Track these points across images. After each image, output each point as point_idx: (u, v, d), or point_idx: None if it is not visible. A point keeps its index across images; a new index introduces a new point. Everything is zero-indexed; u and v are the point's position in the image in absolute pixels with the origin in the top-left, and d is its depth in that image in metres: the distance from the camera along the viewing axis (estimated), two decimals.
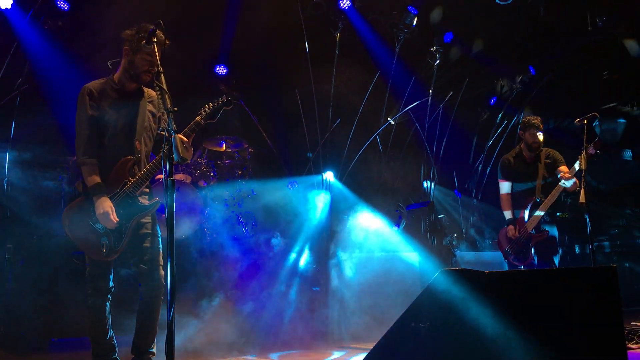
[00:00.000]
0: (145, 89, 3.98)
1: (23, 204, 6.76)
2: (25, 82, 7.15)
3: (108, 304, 3.80)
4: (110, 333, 3.80)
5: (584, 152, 5.09)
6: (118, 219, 3.64)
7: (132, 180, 3.73)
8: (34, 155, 7.11)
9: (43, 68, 7.26)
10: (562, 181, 5.45)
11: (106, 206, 3.60)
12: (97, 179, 3.65)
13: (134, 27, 3.77)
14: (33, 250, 6.04)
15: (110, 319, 3.80)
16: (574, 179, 5.41)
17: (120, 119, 3.78)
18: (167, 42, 3.64)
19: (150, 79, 3.77)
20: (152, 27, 3.56)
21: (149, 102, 3.96)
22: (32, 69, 7.18)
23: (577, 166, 5.25)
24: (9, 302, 5.69)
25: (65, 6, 7.26)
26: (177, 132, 3.11)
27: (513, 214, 5.90)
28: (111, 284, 3.80)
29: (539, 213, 5.66)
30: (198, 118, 3.80)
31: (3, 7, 6.75)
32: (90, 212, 3.65)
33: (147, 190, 3.86)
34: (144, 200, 3.80)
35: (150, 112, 3.94)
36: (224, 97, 3.84)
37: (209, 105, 3.82)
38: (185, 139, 3.73)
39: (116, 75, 3.86)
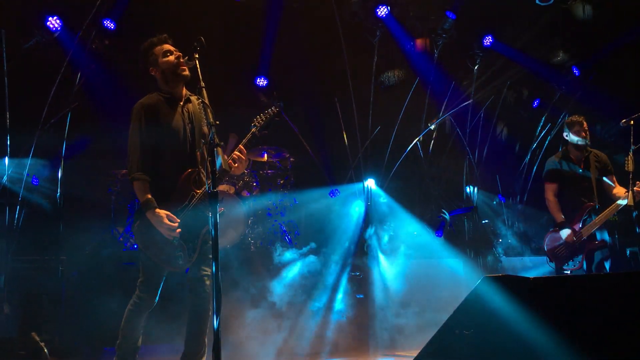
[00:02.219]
0: (193, 96, 3.99)
1: (75, 217, 7.01)
2: (75, 99, 7.41)
3: (147, 313, 3.87)
4: (139, 341, 3.87)
5: (631, 154, 4.96)
6: (177, 224, 3.65)
7: (198, 192, 3.76)
8: (84, 169, 7.36)
9: (92, 86, 7.54)
10: (619, 201, 5.34)
11: (161, 218, 3.62)
12: (148, 195, 3.68)
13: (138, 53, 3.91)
14: (85, 261, 6.24)
15: (143, 329, 3.88)
16: (626, 200, 5.26)
17: (176, 130, 3.82)
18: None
19: (186, 71, 3.78)
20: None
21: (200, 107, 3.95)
22: (81, 87, 7.45)
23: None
24: (63, 312, 5.89)
25: (112, 26, 7.53)
26: (219, 145, 3.19)
27: (565, 217, 5.74)
28: (157, 298, 3.84)
29: (596, 223, 5.51)
30: (254, 129, 3.81)
31: (53, 29, 7.06)
32: None
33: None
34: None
35: (203, 119, 3.87)
36: (274, 107, 3.87)
37: (261, 117, 3.84)
38: (244, 150, 3.77)
39: (162, 87, 3.93)
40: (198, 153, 3.85)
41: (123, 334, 3.84)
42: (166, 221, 3.63)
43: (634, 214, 4.82)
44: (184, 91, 3.95)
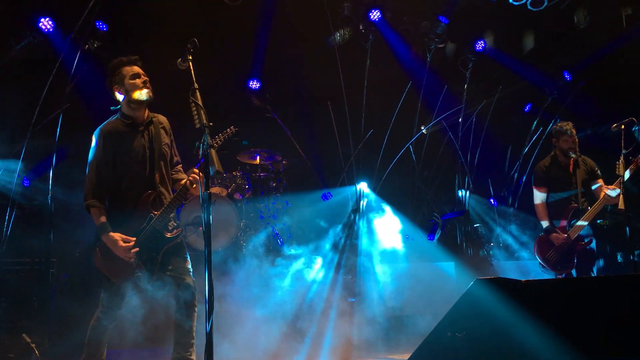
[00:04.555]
0: (155, 117, 4.04)
1: (66, 220, 6.96)
2: (67, 101, 7.37)
3: (109, 329, 3.94)
4: (104, 354, 3.94)
5: (622, 158, 5.00)
6: (132, 244, 3.73)
7: (156, 213, 3.82)
8: (76, 172, 7.31)
9: (84, 88, 7.49)
10: (608, 192, 5.38)
11: (115, 241, 3.70)
12: (102, 219, 3.77)
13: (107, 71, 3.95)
14: (76, 264, 6.20)
15: (105, 342, 3.95)
16: (618, 190, 5.29)
17: (136, 153, 3.87)
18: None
19: (150, 93, 3.85)
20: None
21: (161, 128, 4.02)
22: (73, 88, 7.40)
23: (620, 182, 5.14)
24: (54, 315, 5.85)
25: (104, 27, 7.50)
26: (212, 147, 3.20)
27: (552, 222, 5.80)
28: (119, 312, 3.92)
29: (582, 222, 5.56)
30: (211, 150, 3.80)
31: (45, 30, 7.03)
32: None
33: (171, 217, 3.94)
34: (169, 232, 3.87)
35: (164, 139, 4.01)
36: (232, 127, 3.83)
37: (219, 137, 3.78)
38: (198, 172, 3.72)
39: (124, 111, 3.95)
40: (157, 175, 3.90)
41: (88, 349, 3.89)
42: (120, 243, 3.70)
43: (626, 222, 4.85)
44: (146, 114, 3.99)
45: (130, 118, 3.92)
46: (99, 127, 3.91)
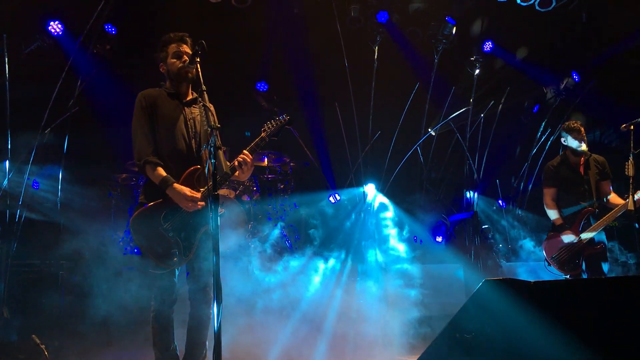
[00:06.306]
0: (202, 100, 3.98)
1: (75, 221, 7.01)
2: (77, 103, 7.41)
3: (172, 315, 3.81)
4: (175, 344, 3.82)
5: (631, 159, 4.96)
6: (200, 196, 3.63)
7: (202, 190, 3.72)
8: (85, 174, 7.36)
9: (93, 90, 7.55)
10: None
11: (183, 193, 3.61)
12: (162, 172, 3.67)
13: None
14: (85, 266, 6.23)
15: (173, 329, 3.82)
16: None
17: (178, 125, 3.82)
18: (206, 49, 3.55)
19: (189, 71, 3.81)
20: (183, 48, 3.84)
21: (209, 111, 3.97)
22: (82, 91, 7.45)
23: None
24: (63, 316, 5.88)
25: (113, 30, 7.55)
26: (220, 148, 3.20)
27: (563, 220, 5.75)
28: (175, 295, 3.80)
29: (596, 227, 5.51)
30: (263, 134, 3.79)
31: (55, 33, 7.08)
32: (159, 221, 3.65)
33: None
34: None
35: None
36: (285, 116, 3.84)
37: (272, 123, 3.81)
38: (250, 155, 3.74)
39: (167, 85, 3.96)
40: (203, 153, 3.80)
41: (154, 344, 3.79)
42: (189, 194, 3.62)
43: (636, 223, 4.81)
44: (189, 92, 3.97)
45: (173, 88, 3.93)
46: (140, 92, 3.89)
